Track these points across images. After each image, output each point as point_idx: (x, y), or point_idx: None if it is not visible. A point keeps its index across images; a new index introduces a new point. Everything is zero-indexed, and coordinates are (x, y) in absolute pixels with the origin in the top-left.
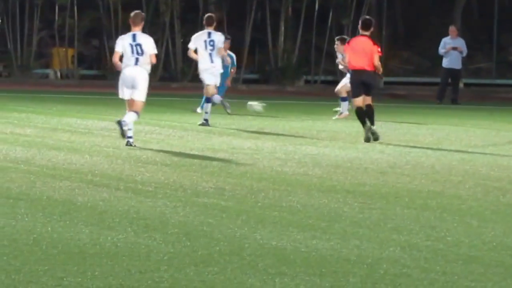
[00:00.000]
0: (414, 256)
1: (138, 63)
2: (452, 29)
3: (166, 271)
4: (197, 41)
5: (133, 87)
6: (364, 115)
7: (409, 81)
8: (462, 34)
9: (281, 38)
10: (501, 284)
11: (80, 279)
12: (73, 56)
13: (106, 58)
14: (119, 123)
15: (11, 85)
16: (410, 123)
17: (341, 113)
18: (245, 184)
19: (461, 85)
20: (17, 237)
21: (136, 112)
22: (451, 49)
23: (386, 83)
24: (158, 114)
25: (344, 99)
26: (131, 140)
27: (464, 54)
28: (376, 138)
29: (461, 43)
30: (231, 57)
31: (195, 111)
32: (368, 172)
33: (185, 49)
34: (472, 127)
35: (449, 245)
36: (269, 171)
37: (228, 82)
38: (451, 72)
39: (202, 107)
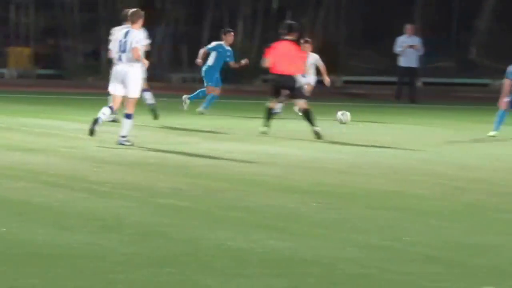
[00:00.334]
0: (371, 256)
1: (124, 59)
2: (408, 27)
3: (122, 272)
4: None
5: (123, 84)
6: (269, 115)
7: (368, 80)
8: (421, 33)
9: (239, 37)
10: (460, 284)
11: (34, 280)
12: (29, 56)
13: (63, 58)
14: (96, 120)
15: None
16: (369, 122)
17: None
18: (201, 184)
19: (420, 84)
20: None
21: (128, 116)
22: (408, 47)
23: (345, 82)
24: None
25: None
26: (123, 139)
27: (421, 52)
28: (318, 138)
29: (417, 41)
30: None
31: (200, 112)
32: (326, 172)
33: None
34: (431, 126)
35: (407, 244)
36: (226, 171)
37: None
38: (408, 70)
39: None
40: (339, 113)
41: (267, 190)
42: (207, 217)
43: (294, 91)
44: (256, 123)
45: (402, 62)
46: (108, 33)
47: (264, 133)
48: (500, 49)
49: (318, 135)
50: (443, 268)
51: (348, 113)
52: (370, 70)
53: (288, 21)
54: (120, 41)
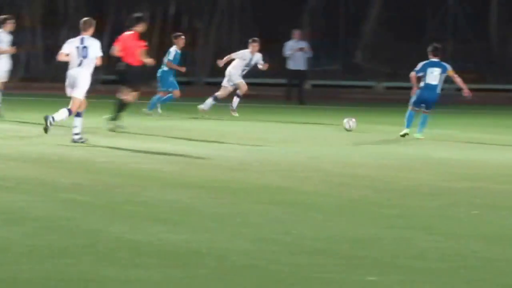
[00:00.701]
0: (261, 248)
1: (82, 64)
2: (295, 32)
3: (25, 264)
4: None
5: (74, 85)
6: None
7: (259, 82)
8: (309, 38)
9: None
10: (344, 275)
11: None
12: None
13: None
14: (46, 118)
15: None
16: (260, 121)
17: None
18: (102, 180)
19: (308, 86)
20: None
21: (69, 110)
22: (298, 50)
23: None
24: (19, 113)
25: (239, 96)
26: (76, 137)
27: (309, 54)
28: (112, 131)
29: (305, 45)
30: None
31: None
32: (219, 168)
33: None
34: (317, 126)
35: (295, 238)
36: (125, 168)
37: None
38: (296, 73)
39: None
40: (345, 120)
41: (163, 185)
42: (106, 211)
43: (123, 81)
44: (154, 124)
45: (291, 65)
46: (14, 38)
47: (116, 128)
48: (383, 53)
49: (113, 129)
50: (330, 260)
51: (354, 119)
52: (260, 72)
53: (135, 14)
54: (78, 47)
